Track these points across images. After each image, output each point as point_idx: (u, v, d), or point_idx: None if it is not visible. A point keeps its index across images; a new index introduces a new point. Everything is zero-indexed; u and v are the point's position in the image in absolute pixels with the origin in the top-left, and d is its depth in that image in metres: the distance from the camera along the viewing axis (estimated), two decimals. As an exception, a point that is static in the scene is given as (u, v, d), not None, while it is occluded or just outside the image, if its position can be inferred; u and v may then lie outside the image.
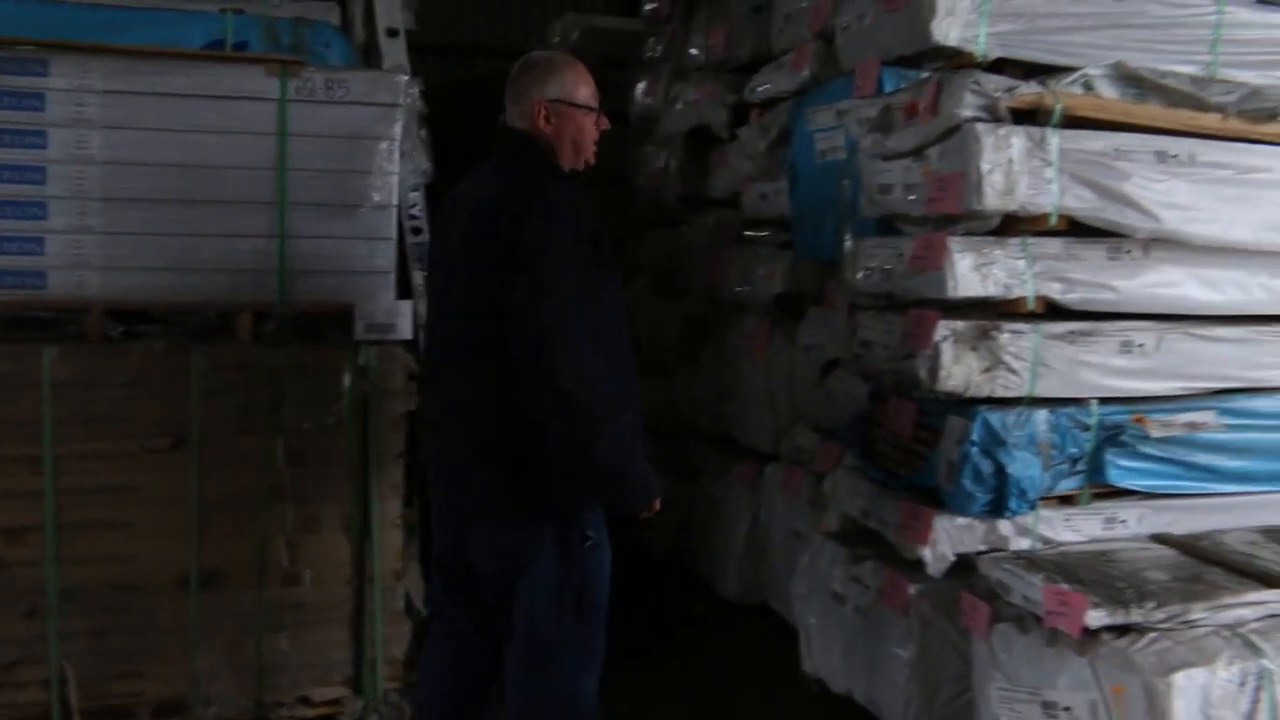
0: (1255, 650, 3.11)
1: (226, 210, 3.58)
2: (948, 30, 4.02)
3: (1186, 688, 2.96)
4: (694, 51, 5.99)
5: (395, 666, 3.72)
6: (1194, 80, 4.05)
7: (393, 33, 4.31)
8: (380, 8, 4.35)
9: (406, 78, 3.73)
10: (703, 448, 5.83)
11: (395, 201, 3.67)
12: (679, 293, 6.26)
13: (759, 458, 5.17)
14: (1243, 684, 3.05)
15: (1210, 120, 3.84)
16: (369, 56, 4.84)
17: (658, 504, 2.89)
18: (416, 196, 3.99)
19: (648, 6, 6.86)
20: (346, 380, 3.51)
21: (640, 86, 6.66)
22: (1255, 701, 3.05)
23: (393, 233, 3.73)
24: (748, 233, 5.51)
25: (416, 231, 3.96)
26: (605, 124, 3.07)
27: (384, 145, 3.61)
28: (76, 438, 3.37)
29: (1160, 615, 3.16)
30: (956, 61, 4.14)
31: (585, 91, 2.98)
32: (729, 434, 5.50)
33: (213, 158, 3.54)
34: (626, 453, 2.72)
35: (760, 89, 5.29)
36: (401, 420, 3.64)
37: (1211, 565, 3.58)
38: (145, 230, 3.51)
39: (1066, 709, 3.16)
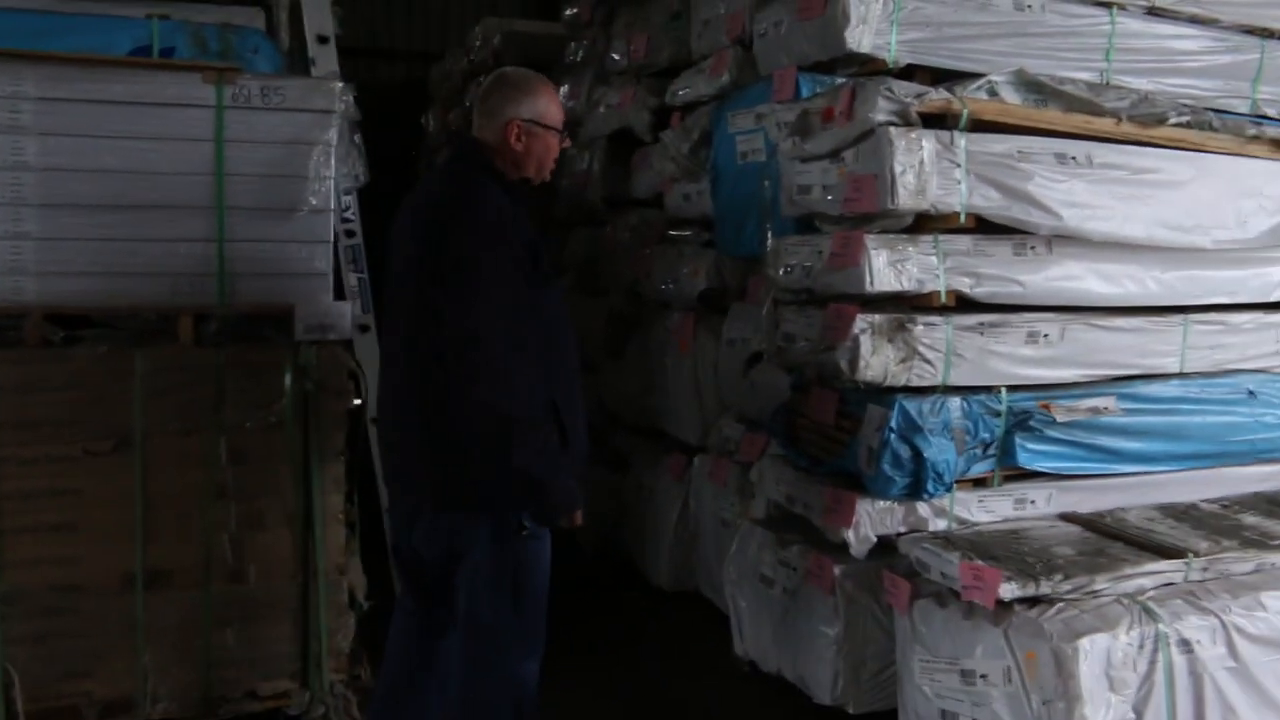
0: (1153, 616, 3.34)
1: (165, 215, 3.62)
2: (860, 38, 4.23)
3: (1091, 651, 3.17)
4: (615, 56, 6.12)
5: (340, 659, 3.78)
6: (1090, 86, 4.32)
7: (323, 39, 4.38)
8: (311, 15, 4.40)
9: (341, 84, 3.79)
10: (631, 440, 5.96)
11: (331, 205, 3.74)
12: (603, 290, 6.38)
13: (687, 449, 5.31)
14: (1141, 647, 3.28)
15: (1105, 124, 4.08)
16: (293, 61, 4.89)
17: (579, 517, 3.01)
18: (350, 200, 4.07)
19: (568, 12, 6.96)
20: (287, 380, 3.57)
21: (562, 89, 6.74)
22: (1152, 662, 3.28)
23: (330, 235, 3.79)
24: (672, 232, 5.65)
25: (350, 234, 4.04)
26: (568, 144, 3.19)
27: (319, 150, 3.68)
28: (18, 442, 3.38)
29: (1067, 586, 3.38)
30: (869, 68, 4.36)
31: (555, 113, 3.11)
32: (657, 427, 5.64)
33: (150, 164, 3.58)
34: (544, 463, 2.82)
35: (681, 93, 5.44)
36: (342, 417, 3.71)
37: (1113, 540, 3.81)
38: (84, 235, 3.54)
39: (983, 676, 3.36)
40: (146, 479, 3.51)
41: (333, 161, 3.67)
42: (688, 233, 5.54)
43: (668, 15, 5.64)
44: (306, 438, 3.64)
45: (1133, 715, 3.25)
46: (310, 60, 4.45)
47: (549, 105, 3.08)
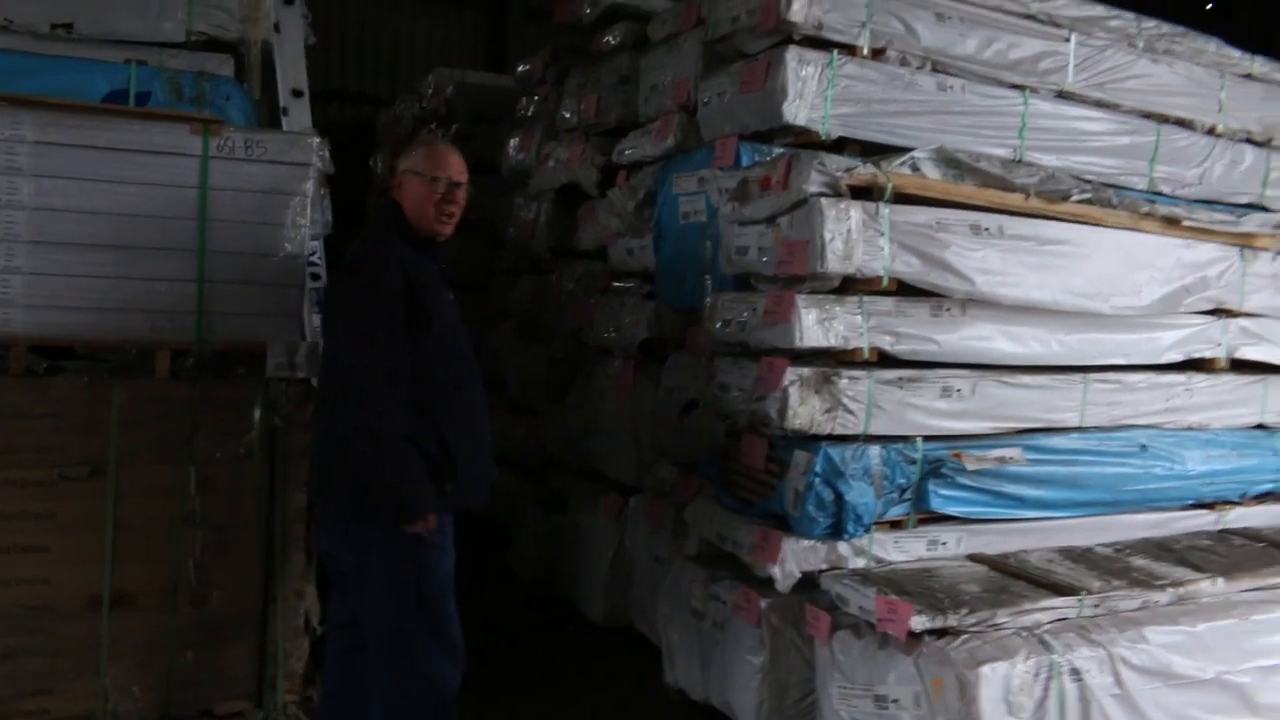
0: (1048, 647, 3.68)
1: (149, 255, 3.84)
2: (797, 111, 4.60)
3: (991, 678, 3.49)
4: (566, 114, 6.43)
5: (294, 680, 3.99)
6: (1003, 163, 4.70)
7: (298, 93, 4.62)
8: (287, 68, 4.64)
9: (318, 139, 4.05)
10: (569, 481, 6.21)
11: (305, 252, 3.99)
12: (546, 337, 6.66)
13: (624, 490, 5.59)
14: (1037, 675, 3.60)
15: (1015, 199, 4.48)
16: (260, 108, 5.13)
17: (432, 521, 3.30)
18: (315, 245, 4.31)
19: (521, 68, 7.27)
20: (257, 414, 3.81)
21: (513, 142, 7.06)
22: (1046, 689, 3.61)
23: (302, 280, 4.04)
24: (615, 283, 5.95)
25: (315, 278, 4.27)
26: (460, 199, 3.49)
27: (296, 200, 3.94)
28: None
29: (972, 620, 3.70)
30: (803, 139, 4.73)
31: (428, 165, 3.45)
32: (595, 468, 5.91)
33: (137, 207, 3.81)
34: (402, 473, 3.18)
35: (628, 152, 5.78)
36: (306, 451, 3.93)
37: (1016, 579, 4.16)
38: (72, 272, 3.75)
39: (895, 700, 3.66)
40: (118, 505, 3.72)
41: (308, 211, 3.92)
42: (630, 285, 5.85)
43: (617, 78, 5.97)
44: (272, 469, 3.87)
45: (1028, 737, 3.58)
46: (283, 110, 4.68)
47: (422, 157, 3.46)
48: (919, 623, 3.63)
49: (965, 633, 3.66)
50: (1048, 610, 3.88)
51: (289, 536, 3.93)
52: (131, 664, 3.79)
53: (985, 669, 3.49)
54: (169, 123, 3.87)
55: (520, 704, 4.53)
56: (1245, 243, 5.21)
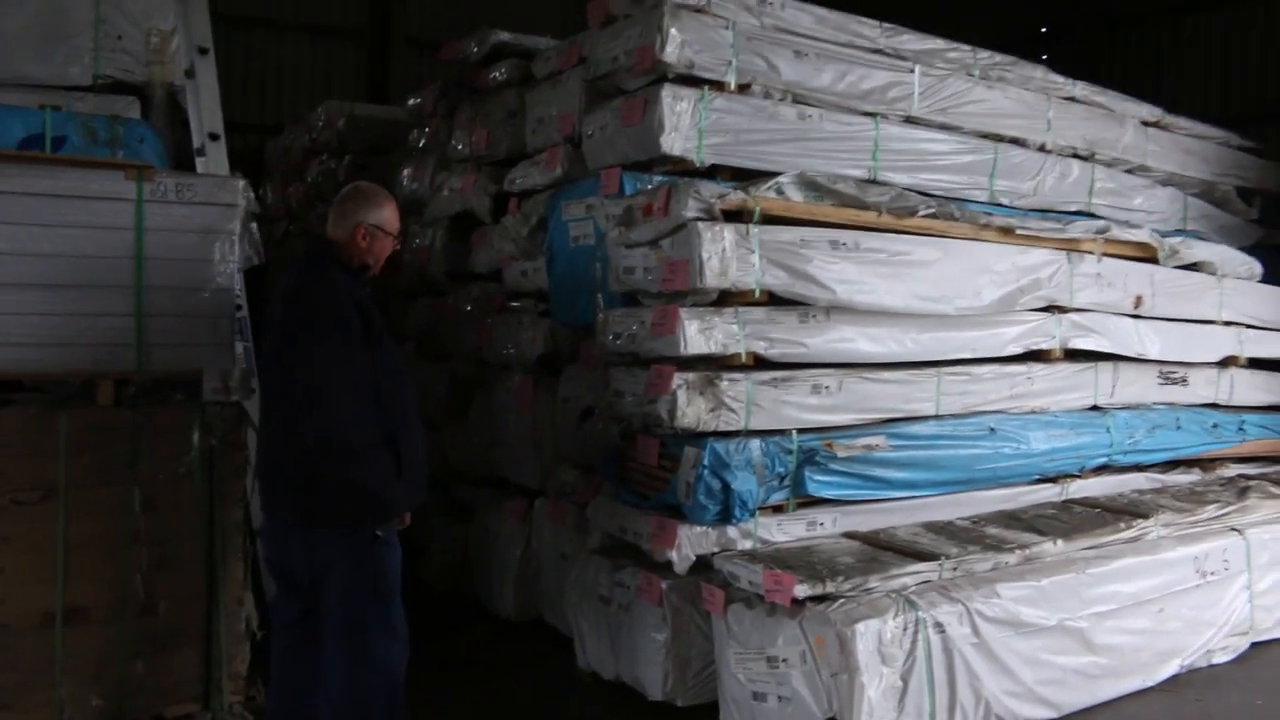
0: (914, 605, 4.22)
1: (91, 293, 4.11)
2: (673, 143, 5.07)
3: (866, 634, 4.01)
4: (457, 145, 6.80)
5: (238, 682, 4.29)
6: (858, 184, 5.27)
7: (214, 136, 4.93)
8: (203, 114, 4.94)
9: (244, 182, 4.38)
10: (474, 491, 6.58)
11: (234, 285, 4.32)
12: (444, 356, 7.02)
13: (528, 494, 5.99)
14: (905, 629, 4.14)
15: (869, 216, 5.06)
16: (167, 148, 5.39)
17: (408, 518, 3.72)
18: (239, 279, 4.63)
19: (411, 101, 7.60)
20: (195, 436, 4.11)
21: (406, 172, 7.40)
22: (914, 641, 4.15)
23: (231, 311, 4.35)
24: (511, 303, 6.35)
25: (239, 308, 4.60)
26: (399, 246, 3.95)
27: (224, 238, 4.26)
28: None
29: (847, 586, 4.23)
30: (680, 166, 5.21)
31: (394, 222, 3.88)
32: (500, 476, 6.30)
33: (78, 249, 4.08)
34: (375, 477, 3.52)
35: (518, 181, 6.19)
36: (242, 468, 4.26)
37: (885, 550, 4.71)
38: (18, 310, 4.00)
39: (784, 660, 4.15)
40: (68, 526, 3.98)
41: (236, 247, 4.26)
42: (525, 304, 6.25)
43: (505, 112, 6.38)
44: (211, 486, 4.19)
45: (900, 682, 4.10)
46: (198, 151, 4.96)
47: (390, 215, 3.87)
48: (801, 591, 4.14)
49: (842, 597, 4.19)
50: (913, 574, 4.44)
51: (228, 548, 4.23)
52: (85, 675, 4.04)
53: (860, 626, 4.01)
54: (105, 170, 4.15)
55: (442, 696, 4.86)
56: (1071, 247, 5.90)
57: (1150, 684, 5.00)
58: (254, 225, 4.63)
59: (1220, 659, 5.36)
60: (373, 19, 11.59)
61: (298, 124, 9.72)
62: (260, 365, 3.93)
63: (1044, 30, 10.90)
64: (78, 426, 4.02)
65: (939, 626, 4.23)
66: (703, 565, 4.65)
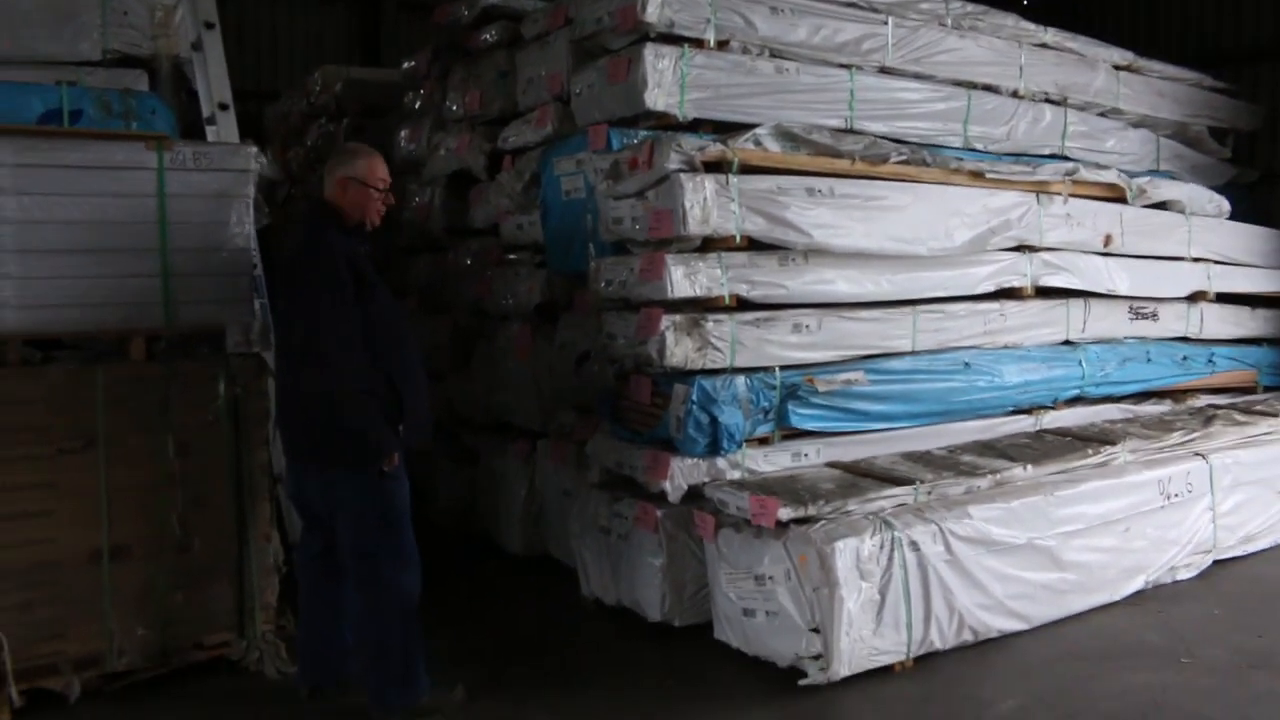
0: (890, 526, 4.54)
1: (120, 257, 4.39)
2: (657, 99, 5.34)
3: (845, 551, 4.34)
4: (452, 106, 7.04)
5: (269, 611, 4.62)
6: (833, 134, 5.53)
7: (224, 106, 5.18)
8: (212, 85, 5.20)
9: (255, 149, 4.67)
10: (478, 436, 6.87)
11: (251, 245, 4.61)
12: (445, 308, 7.30)
13: (530, 436, 6.29)
14: (882, 547, 4.46)
15: (843, 164, 5.33)
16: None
17: (395, 459, 3.96)
18: (254, 239, 4.91)
19: (406, 64, 7.82)
20: (221, 386, 4.43)
21: (403, 133, 7.63)
22: (890, 558, 4.47)
23: (250, 269, 4.65)
24: (509, 256, 6.63)
25: (254, 266, 4.88)
26: (391, 200, 4.23)
27: (240, 202, 4.55)
28: (3, 444, 4.09)
29: (828, 508, 4.56)
30: (664, 121, 5.48)
31: (370, 173, 4.14)
32: (503, 420, 6.60)
33: (107, 215, 4.35)
34: (365, 420, 3.84)
35: (511, 140, 6.44)
36: (265, 414, 4.56)
37: (864, 477, 5.03)
38: (54, 274, 4.27)
39: (770, 577, 4.48)
40: (109, 472, 4.28)
41: (250, 210, 4.54)
42: (522, 256, 6.54)
43: (497, 73, 6.62)
44: (237, 431, 4.50)
45: (878, 596, 4.43)
46: (208, 120, 5.21)
47: (364, 166, 4.14)
48: (785, 513, 4.46)
49: (822, 519, 4.51)
50: (889, 498, 4.77)
51: (255, 488, 4.55)
52: (130, 607, 4.36)
53: (839, 544, 4.34)
54: (128, 141, 4.44)
55: (456, 626, 5.17)
56: (1040, 189, 6.17)
57: (1116, 598, 5.33)
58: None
59: (1184, 575, 5.70)
60: (363, -18, 11.82)
61: (295, 89, 9.91)
62: (275, 321, 4.26)
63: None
64: (113, 380, 4.32)
65: (914, 545, 4.56)
66: (694, 495, 4.96)
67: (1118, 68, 7.63)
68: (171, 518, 4.40)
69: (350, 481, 3.94)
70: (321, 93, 8.88)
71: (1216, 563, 5.87)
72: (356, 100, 8.54)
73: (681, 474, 4.94)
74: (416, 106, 7.62)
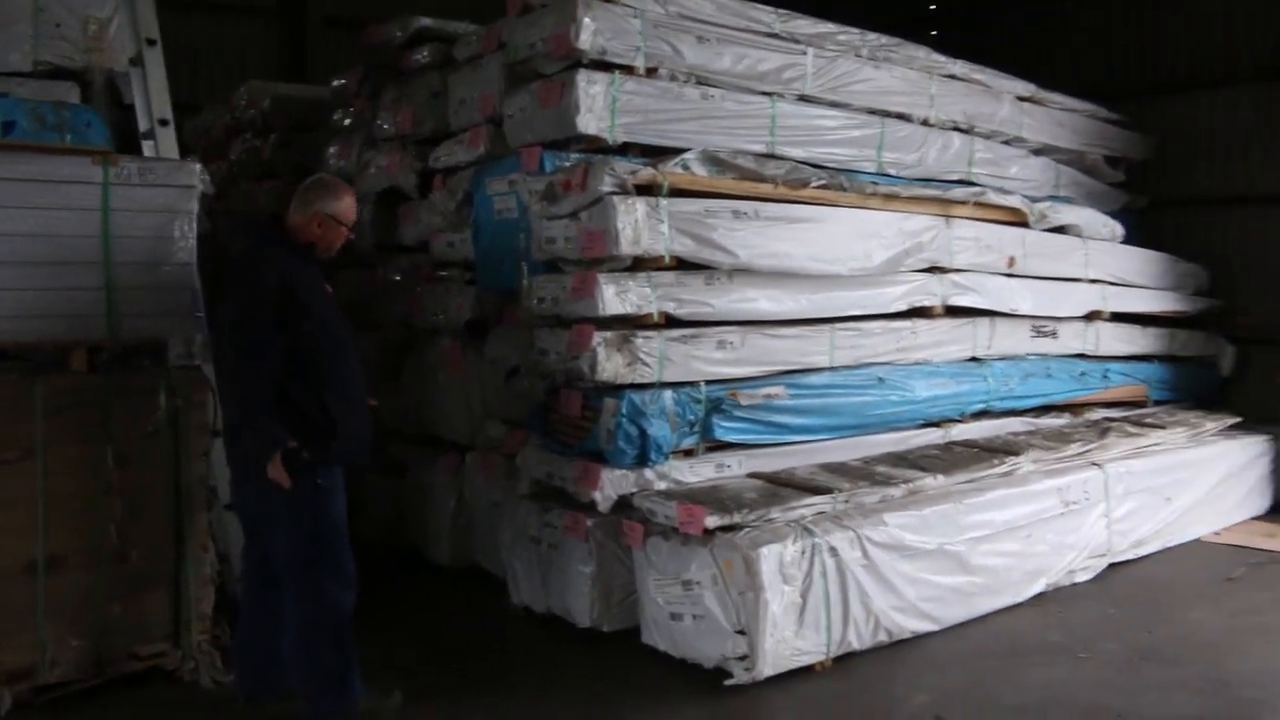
0: (810, 532, 4.79)
1: (63, 269, 4.44)
2: (588, 123, 5.54)
3: (769, 556, 4.57)
4: (383, 125, 7.15)
5: (205, 621, 4.67)
6: (757, 158, 5.78)
7: (164, 122, 5.24)
8: (152, 101, 5.24)
9: (199, 165, 4.75)
10: (408, 448, 6.97)
11: (193, 259, 4.69)
12: (374, 324, 7.39)
13: (459, 449, 6.43)
14: (803, 552, 4.71)
15: (766, 188, 5.59)
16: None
17: (277, 468, 3.94)
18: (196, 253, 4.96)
19: (336, 82, 7.91)
20: (162, 398, 4.49)
21: (332, 150, 7.69)
22: (811, 563, 4.72)
23: (193, 282, 4.72)
24: (440, 273, 6.76)
25: (196, 280, 4.93)
26: (350, 236, 4.36)
27: (184, 217, 4.62)
28: None
29: (752, 516, 4.78)
30: (595, 144, 5.67)
31: (350, 214, 4.29)
32: (432, 433, 6.73)
33: (52, 228, 4.40)
34: (258, 439, 3.90)
35: (442, 159, 6.59)
36: (204, 427, 4.64)
37: (785, 487, 5.27)
38: (-2, 286, 4.32)
39: (698, 583, 4.69)
40: (48, 482, 4.32)
41: (194, 225, 4.62)
42: (452, 273, 6.67)
43: (429, 93, 6.77)
44: (176, 443, 4.57)
45: (800, 599, 4.67)
46: (144, 135, 5.24)
47: (346, 207, 4.28)
48: (712, 521, 4.68)
49: (747, 526, 4.75)
50: (809, 506, 5.02)
51: (193, 500, 4.62)
52: (65, 618, 4.38)
53: (764, 549, 4.57)
54: (74, 156, 4.49)
55: (385, 635, 5.25)
56: (948, 213, 6.51)
57: (1020, 600, 5.67)
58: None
59: (1081, 578, 6.07)
60: (288, -1, 11.79)
61: (218, 103, 9.89)
62: (215, 335, 4.31)
63: (932, 7, 11.56)
64: (54, 390, 4.36)
65: (833, 550, 4.81)
66: (623, 504, 5.15)
67: (1021, 99, 8.04)
68: (109, 528, 4.44)
69: (282, 494, 3.98)
70: (247, 107, 8.90)
71: (1111, 566, 6.26)
72: (284, 116, 8.58)
73: (611, 484, 5.12)
74: (346, 124, 7.71)
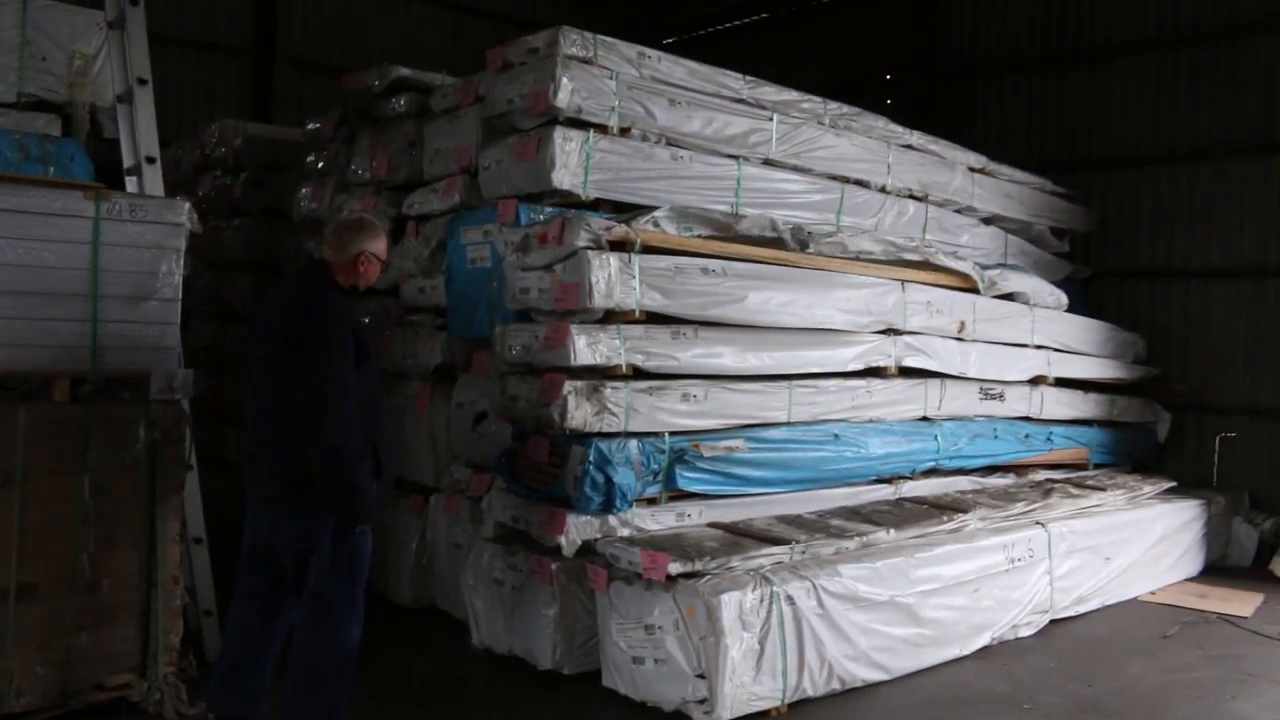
0: (769, 581, 4.94)
1: (50, 300, 4.51)
2: (563, 178, 5.73)
3: (729, 603, 4.71)
4: (357, 170, 7.27)
5: (172, 654, 4.72)
6: (725, 216, 6.01)
7: (151, 160, 5.34)
8: (141, 138, 5.35)
9: (189, 204, 4.85)
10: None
11: (179, 295, 4.79)
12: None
13: (424, 491, 6.54)
14: (762, 600, 4.86)
15: (733, 247, 5.80)
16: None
17: (366, 523, 4.19)
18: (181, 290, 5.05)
19: (310, 125, 8.03)
20: (141, 431, 4.56)
21: (304, 191, 7.78)
22: (769, 611, 4.87)
23: (178, 319, 4.82)
24: (409, 317, 6.89)
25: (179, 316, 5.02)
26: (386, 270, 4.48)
27: (171, 254, 4.72)
28: None
29: (713, 564, 4.94)
30: (568, 199, 5.85)
31: (385, 251, 4.43)
32: (397, 475, 6.81)
33: (40, 260, 4.48)
34: (361, 483, 4.05)
35: (416, 206, 6.73)
36: (181, 461, 4.72)
37: (744, 537, 5.44)
38: (-15, 314, 4.36)
39: (660, 627, 4.83)
40: (24, 510, 4.37)
41: (180, 262, 4.73)
42: (422, 318, 6.80)
43: (405, 142, 6.92)
44: (154, 476, 4.64)
45: (758, 645, 4.81)
46: (129, 171, 5.34)
47: (384, 245, 4.42)
48: (675, 568, 4.83)
49: (708, 574, 4.90)
50: (768, 556, 5.18)
51: (167, 532, 4.69)
52: (33, 647, 4.40)
53: (725, 597, 4.72)
54: (66, 190, 4.58)
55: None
56: (903, 276, 6.76)
57: (966, 652, 5.86)
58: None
59: (1025, 632, 6.28)
60: (256, 38, 11.86)
61: (186, 139, 9.97)
62: (256, 371, 4.30)
63: (889, 77, 11.96)
64: (35, 420, 4.42)
65: (790, 599, 4.97)
66: (586, 549, 5.29)
67: (973, 170, 8.38)
68: (81, 558, 4.49)
69: (326, 531, 4.06)
70: (218, 144, 9.00)
71: (1053, 621, 6.49)
72: (256, 155, 8.69)
73: (576, 529, 5.26)
74: (320, 166, 7.82)
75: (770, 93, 6.81)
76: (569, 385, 5.23)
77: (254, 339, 4.32)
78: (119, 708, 4.68)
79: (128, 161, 5.44)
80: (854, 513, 6.21)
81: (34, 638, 4.45)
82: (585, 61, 5.87)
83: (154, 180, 5.27)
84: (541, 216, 5.73)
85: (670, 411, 5.54)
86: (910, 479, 6.90)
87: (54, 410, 4.49)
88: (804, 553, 5.34)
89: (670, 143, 6.21)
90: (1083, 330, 8.56)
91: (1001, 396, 7.61)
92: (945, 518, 6.17)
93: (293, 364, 4.04)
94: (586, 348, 5.25)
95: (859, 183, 7.33)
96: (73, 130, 5.96)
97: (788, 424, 6.11)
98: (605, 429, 5.32)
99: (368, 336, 4.29)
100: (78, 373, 4.56)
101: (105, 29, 5.74)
